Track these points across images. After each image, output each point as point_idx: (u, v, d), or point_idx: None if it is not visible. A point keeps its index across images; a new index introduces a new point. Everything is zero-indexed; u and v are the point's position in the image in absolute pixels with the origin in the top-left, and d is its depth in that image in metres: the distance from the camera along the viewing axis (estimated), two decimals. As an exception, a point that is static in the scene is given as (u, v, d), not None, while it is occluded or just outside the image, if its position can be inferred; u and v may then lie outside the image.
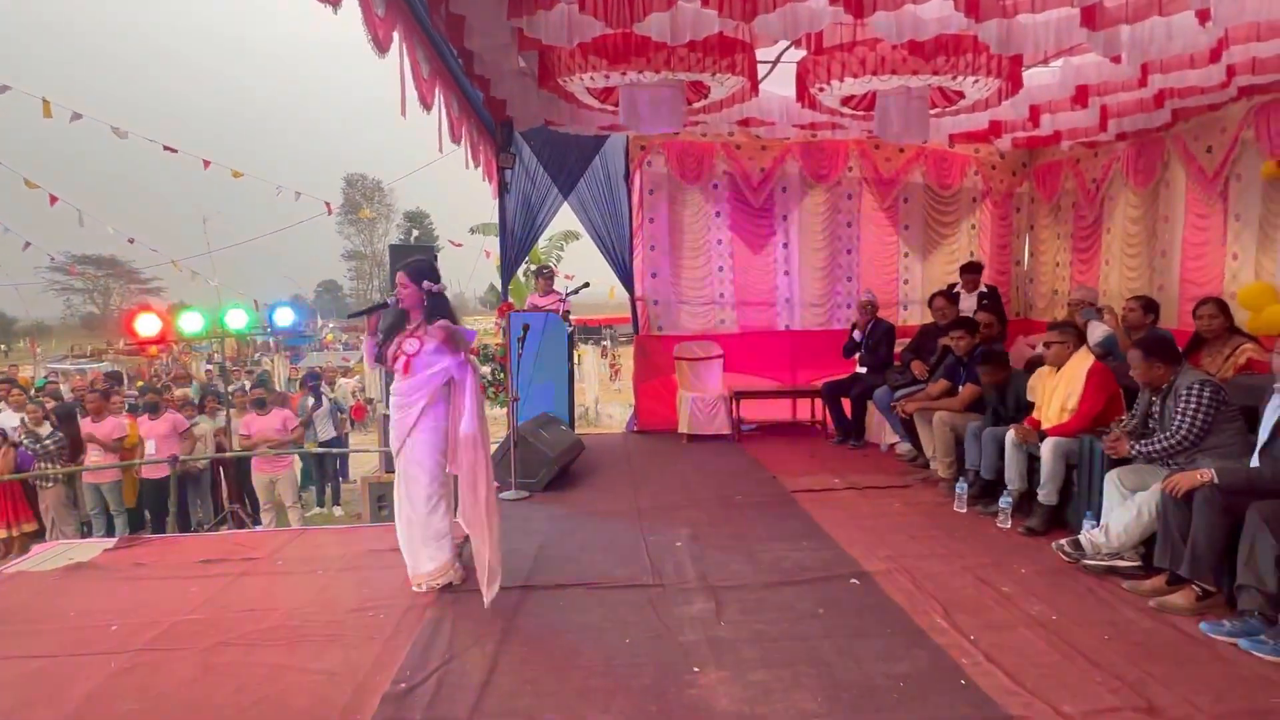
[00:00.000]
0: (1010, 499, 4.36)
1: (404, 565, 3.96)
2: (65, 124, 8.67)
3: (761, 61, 5.14)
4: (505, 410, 6.57)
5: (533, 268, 9.09)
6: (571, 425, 6.74)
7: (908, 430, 5.73)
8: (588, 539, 4.31)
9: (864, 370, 6.60)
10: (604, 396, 15.88)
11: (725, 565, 3.81)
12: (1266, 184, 5.20)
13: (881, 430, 6.46)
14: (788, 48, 5.15)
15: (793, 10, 3.94)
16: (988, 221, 8.13)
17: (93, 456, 7.38)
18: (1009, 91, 4.90)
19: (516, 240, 7.31)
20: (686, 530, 4.37)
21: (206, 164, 10.35)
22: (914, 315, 7.90)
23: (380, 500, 7.05)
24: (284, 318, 8.30)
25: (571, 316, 7.13)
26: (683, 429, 6.89)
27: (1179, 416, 3.54)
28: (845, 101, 5.26)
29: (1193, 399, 3.52)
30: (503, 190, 7.01)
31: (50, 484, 7.35)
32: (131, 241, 13.25)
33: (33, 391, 10.64)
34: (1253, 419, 3.45)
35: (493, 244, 8.68)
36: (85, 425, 7.52)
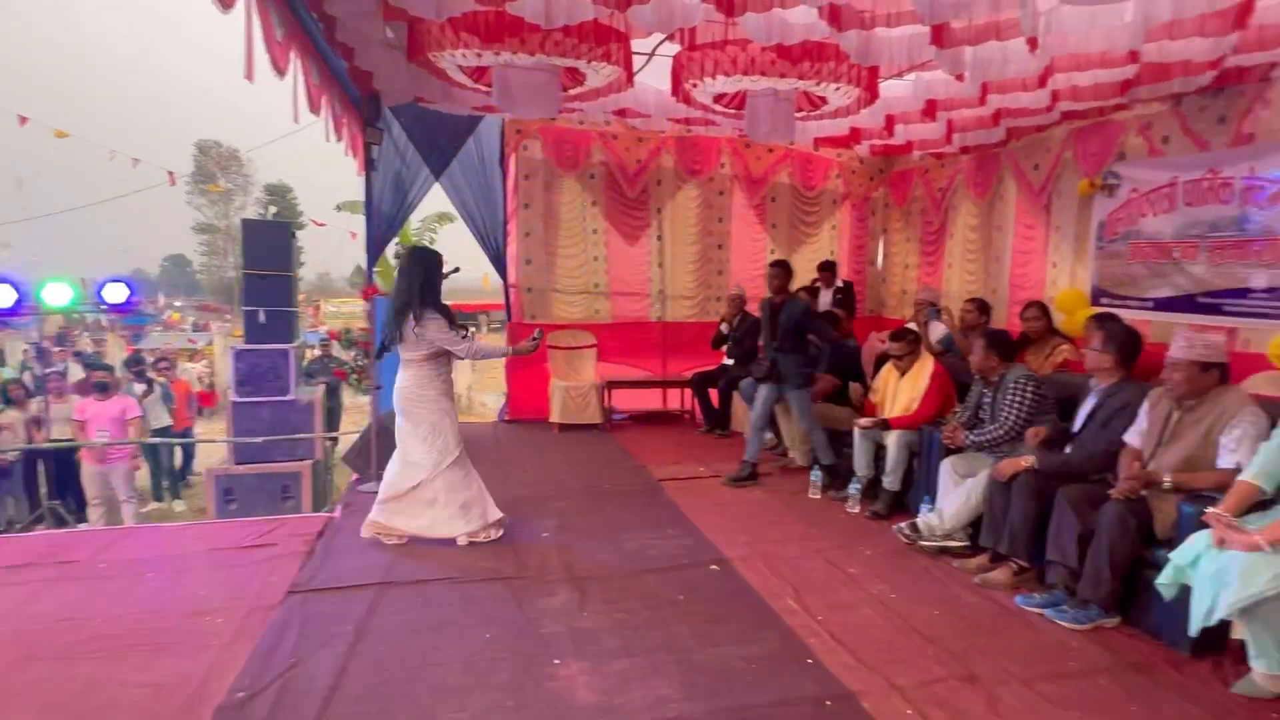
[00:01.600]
0: (859, 485, 4.63)
1: (252, 564, 3.73)
2: None
3: (637, 53, 5.13)
4: (369, 399, 6.28)
5: (401, 249, 8.69)
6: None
7: (771, 420, 5.95)
8: (451, 532, 4.17)
9: (731, 362, 6.79)
10: (477, 384, 15.53)
11: (591, 555, 3.82)
12: (1081, 200, 5.79)
13: (746, 420, 6.67)
14: (663, 41, 5.18)
15: (667, 4, 3.95)
16: (847, 223, 8.56)
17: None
18: (867, 100, 5.15)
19: (384, 220, 6.93)
20: (554, 520, 4.34)
21: (23, 120, 9.18)
22: (779, 310, 8.21)
23: (228, 494, 6.54)
24: (115, 294, 7.46)
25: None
26: (554, 418, 6.84)
27: (1006, 409, 3.88)
28: (718, 99, 5.36)
29: (1018, 394, 3.86)
30: (369, 167, 6.64)
31: None
32: None
33: None
34: (1065, 412, 3.85)
35: (359, 223, 8.22)
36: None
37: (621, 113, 6.47)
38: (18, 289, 6.47)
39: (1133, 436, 3.26)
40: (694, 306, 8.00)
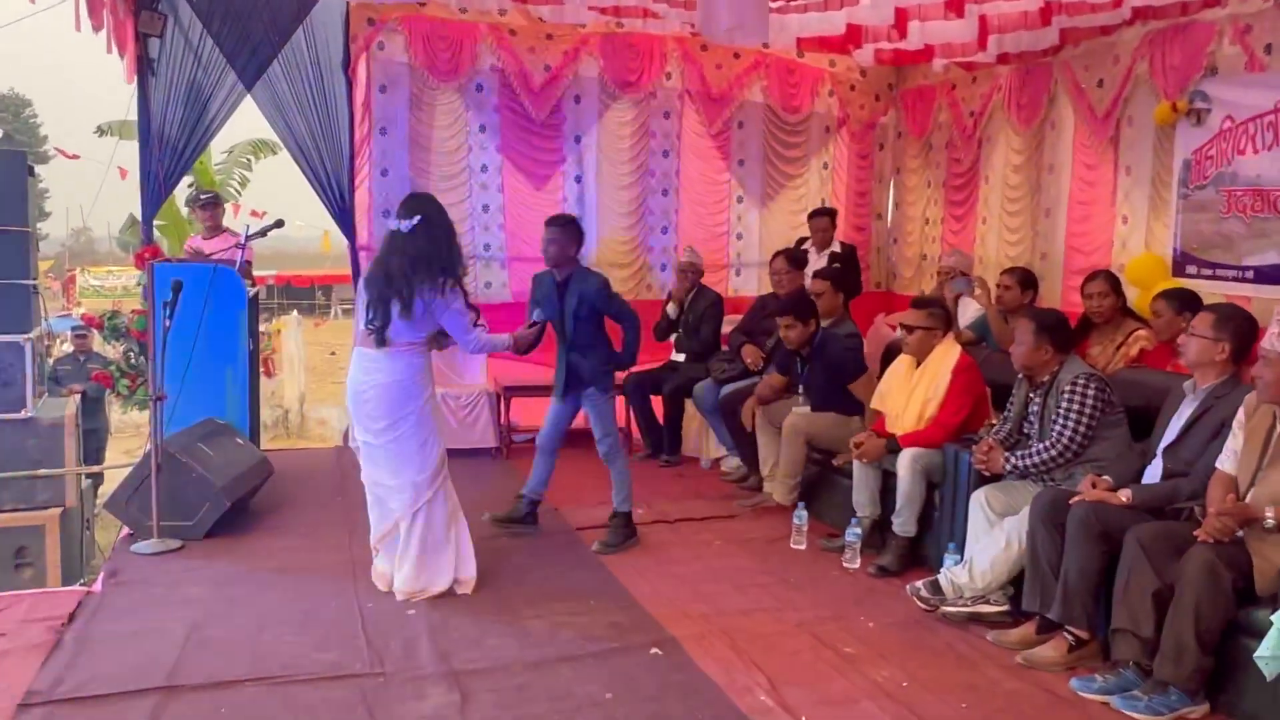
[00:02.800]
0: (859, 530, 4.73)
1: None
2: None
3: (543, -88, 5.13)
4: (147, 416, 6.11)
5: (201, 195, 8.46)
6: (255, 438, 6.42)
7: (739, 439, 6.03)
8: (273, 609, 4.12)
9: (681, 357, 6.84)
10: (315, 393, 15.26)
11: (478, 640, 3.80)
12: (1159, 131, 6.03)
13: (703, 439, 6.75)
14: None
15: None
16: (844, 159, 8.75)
17: None
18: (870, -14, 5.27)
19: (170, 149, 6.79)
20: (425, 590, 4.30)
21: None
22: (749, 283, 8.35)
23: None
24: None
25: (256, 272, 6.75)
26: (427, 440, 6.78)
27: (1061, 420, 4.02)
28: (659, -20, 5.40)
29: (1076, 398, 4.01)
30: (145, 70, 6.47)
31: None
32: None
33: None
34: (1138, 425, 4.01)
35: (132, 155, 7.94)
36: None
37: (522, -2, 6.45)
38: None
39: (1225, 459, 3.42)
40: (629, 279, 8.03)
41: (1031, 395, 4.29)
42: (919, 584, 4.14)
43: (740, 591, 4.36)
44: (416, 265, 4.10)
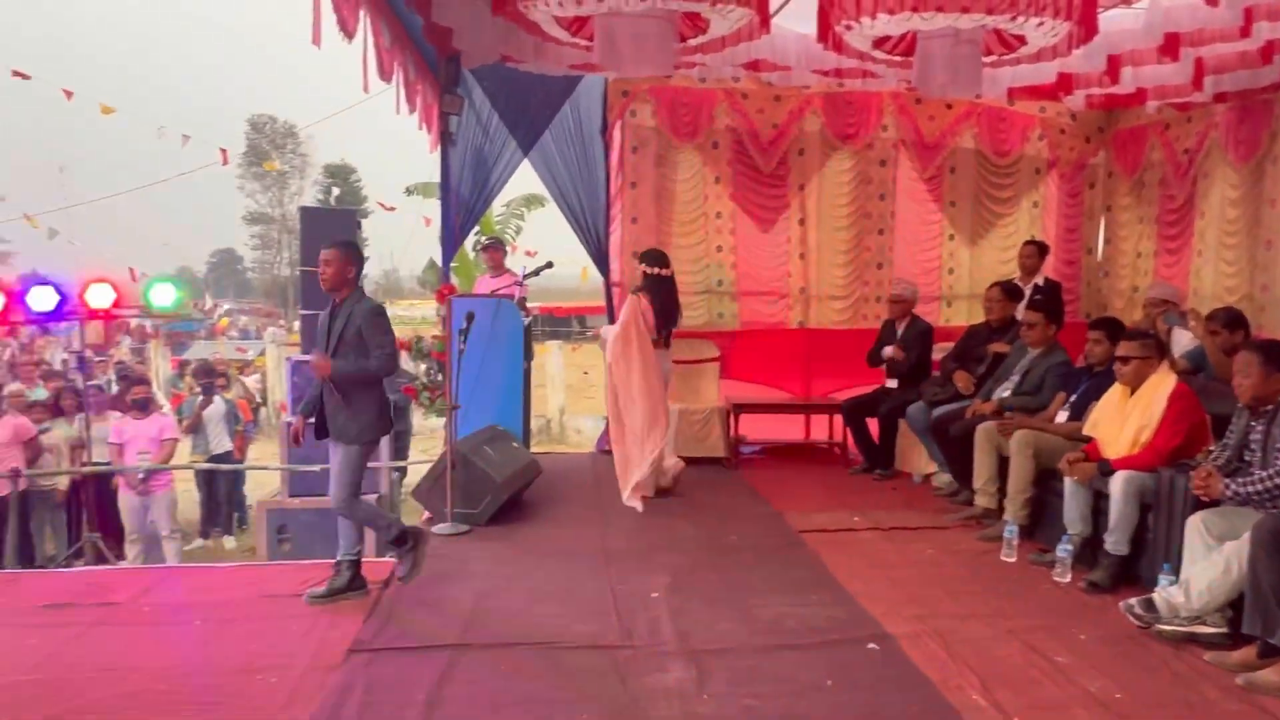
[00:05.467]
0: (1070, 547, 4.41)
1: (308, 616, 3.99)
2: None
3: (775, -10, 5.17)
4: (443, 422, 6.57)
5: (482, 240, 9.05)
6: (526, 442, 6.74)
7: (950, 456, 5.78)
8: (540, 587, 4.31)
9: (894, 383, 6.64)
10: (572, 406, 15.89)
11: (712, 624, 3.83)
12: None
13: (915, 457, 6.51)
14: (808, -26, 5.18)
15: (814, -72, 3.97)
16: (1054, 198, 8.23)
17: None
18: (1082, 37, 4.95)
19: (463, 205, 7.29)
20: (666, 578, 4.38)
21: (69, 95, 10.26)
22: (959, 314, 7.97)
23: (281, 531, 7.02)
24: (163, 296, 8.21)
25: (530, 304, 7.13)
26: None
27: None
28: (878, 44, 5.30)
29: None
30: (446, 142, 6.99)
31: None
32: None
33: None
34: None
35: (433, 208, 8.66)
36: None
37: (754, 66, 6.51)
38: (60, 290, 7.23)
39: None
40: (846, 310, 7.90)
41: (1253, 424, 3.86)
42: (1133, 601, 3.81)
43: (952, 597, 4.17)
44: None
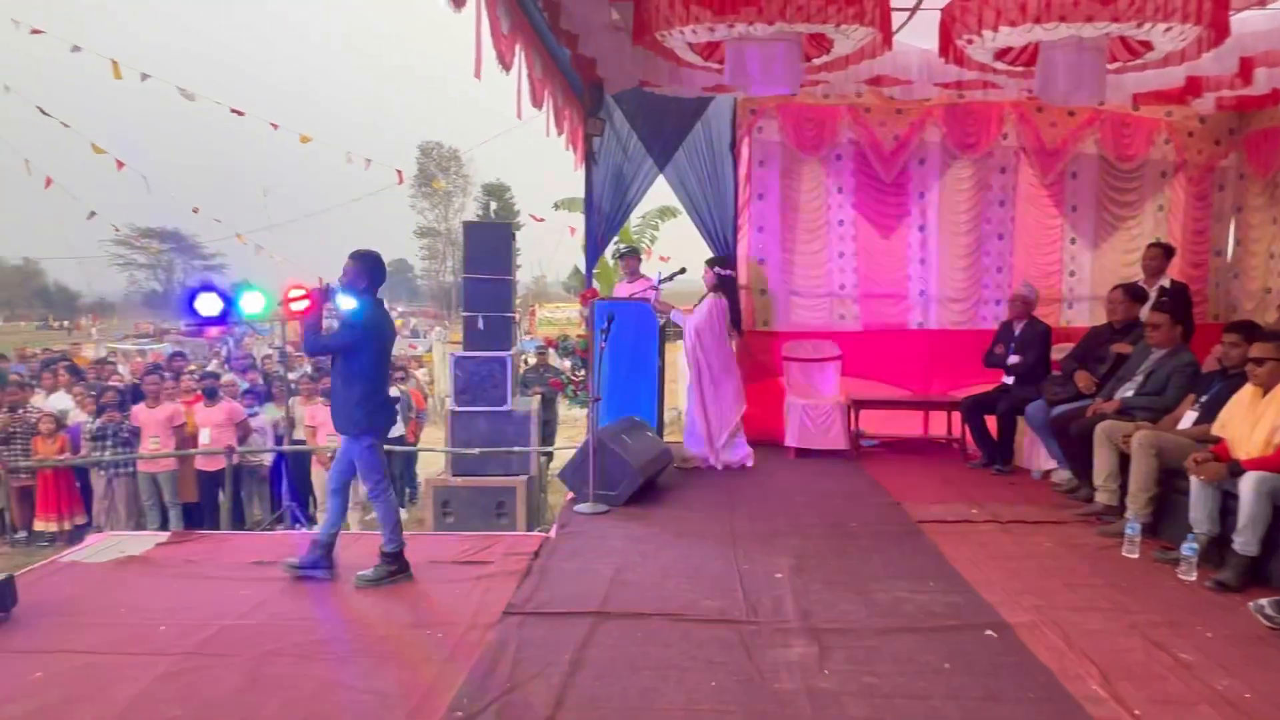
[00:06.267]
0: (1196, 546, 4.08)
1: (466, 579, 4.14)
2: (134, 85, 9.49)
3: (897, 9, 5.01)
4: (585, 412, 6.71)
5: (620, 248, 9.15)
6: (660, 432, 6.78)
7: (1070, 453, 5.46)
8: (673, 564, 4.33)
9: (1011, 380, 6.32)
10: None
11: (833, 604, 3.75)
12: None
13: (1034, 454, 6.17)
14: (930, -8, 5.00)
15: (937, -53, 3.82)
16: (1180, 201, 7.62)
17: (149, 444, 8.01)
18: (1212, 41, 4.57)
19: (605, 217, 7.40)
20: (789, 560, 4.32)
21: (275, 126, 11.07)
22: (1080, 315, 7.51)
23: (445, 505, 7.32)
24: (345, 302, 8.67)
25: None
26: (790, 441, 6.81)
27: None
28: (1000, 55, 5.05)
29: None
30: (590, 161, 7.11)
31: (110, 472, 8.04)
32: (196, 211, 14.66)
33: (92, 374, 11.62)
34: None
35: (578, 220, 8.84)
36: (139, 411, 8.17)
37: (876, 81, 6.34)
38: (224, 298, 7.74)
39: None
40: (965, 311, 7.57)
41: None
42: (1263, 601, 3.49)
43: (1071, 590, 3.92)
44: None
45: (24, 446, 8.18)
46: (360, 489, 7.97)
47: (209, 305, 7.85)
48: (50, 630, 3.60)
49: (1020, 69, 5.26)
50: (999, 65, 5.25)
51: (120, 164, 11.09)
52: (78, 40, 9.84)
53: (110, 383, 10.12)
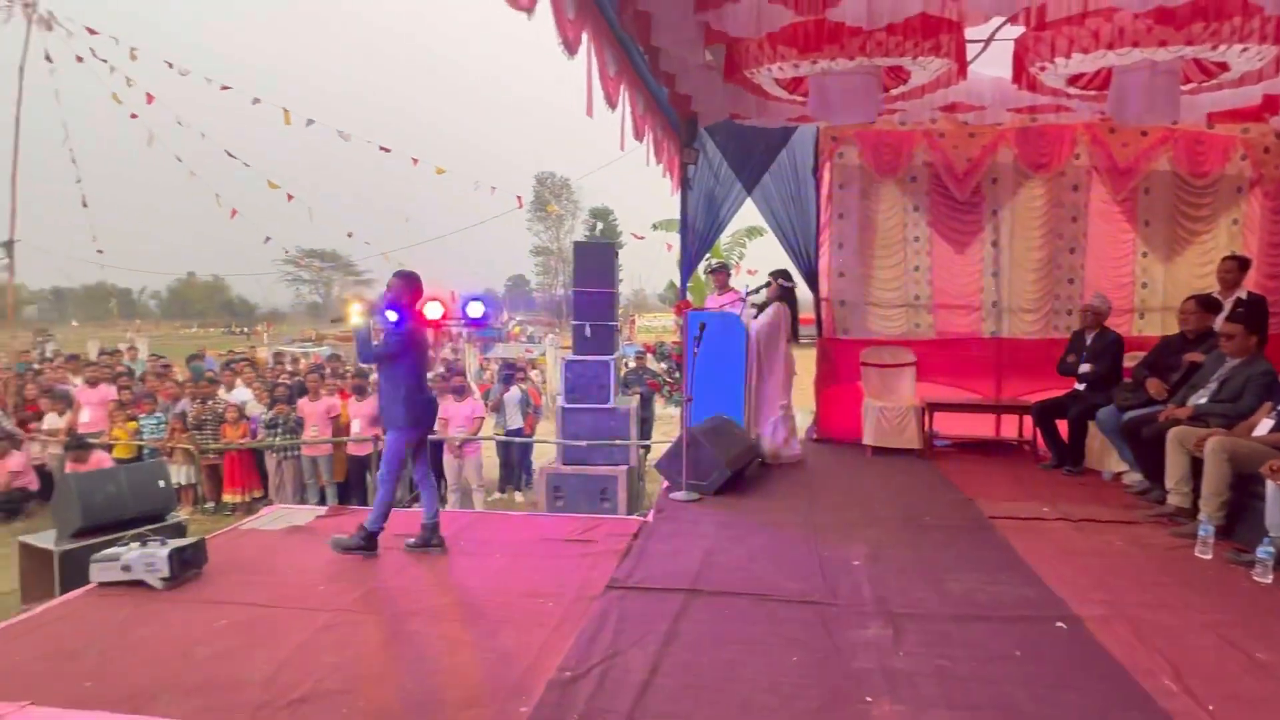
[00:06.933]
0: (1272, 549, 3.75)
1: (573, 556, 4.20)
2: (300, 129, 10.10)
3: (972, 41, 4.82)
4: (679, 410, 6.71)
5: (711, 264, 9.11)
6: (746, 429, 6.71)
7: (1141, 458, 5.11)
8: (757, 548, 4.28)
9: (1082, 387, 5.97)
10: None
11: (907, 591, 3.63)
12: None
13: (1105, 457, 5.81)
14: (1003, 24, 4.78)
15: (1011, -18, 3.66)
16: (1256, 215, 7.03)
17: (310, 432, 8.48)
18: (1290, 59, 4.22)
19: (698, 237, 7.38)
20: (865, 549, 4.20)
21: (415, 161, 11.56)
22: (1152, 325, 7.02)
23: (556, 490, 7.44)
24: (475, 310, 8.98)
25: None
26: (867, 440, 6.63)
27: None
28: (1072, 80, 4.80)
29: None
30: (685, 186, 7.12)
31: (280, 454, 8.56)
32: (350, 235, 15.57)
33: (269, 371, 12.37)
34: None
35: (673, 239, 8.88)
36: (303, 404, 8.65)
37: (950, 108, 6.12)
38: (487, 304, 8.17)
39: None
40: (1037, 321, 7.20)
41: None
42: (1342, 607, 3.19)
43: (1143, 588, 3.66)
44: None
45: (214, 432, 8.78)
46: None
47: (476, 310, 8.49)
48: (232, 585, 3.85)
49: (1093, 93, 4.98)
50: (1071, 90, 4.99)
51: (290, 196, 11.84)
52: (258, 93, 10.59)
53: (280, 380, 10.74)
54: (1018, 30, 4.60)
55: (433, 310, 8.26)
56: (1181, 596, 3.56)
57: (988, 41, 5.05)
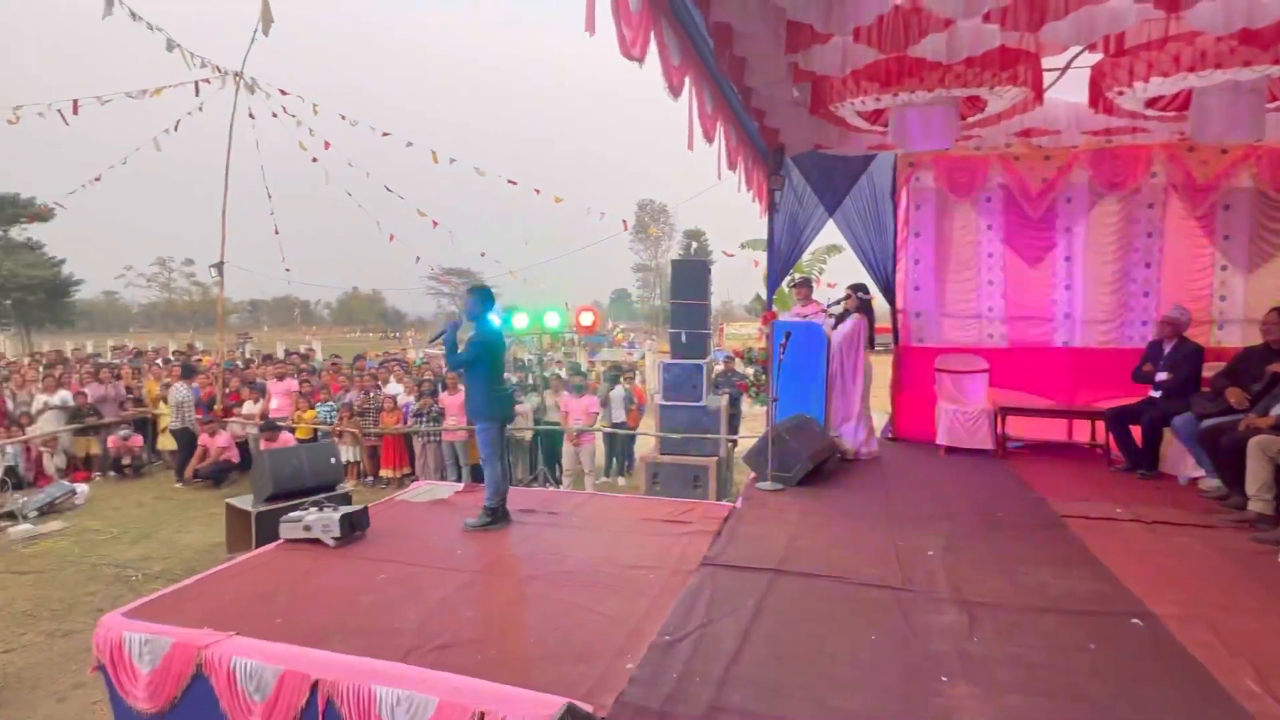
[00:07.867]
0: (1361, 559, 3.33)
1: (670, 535, 4.20)
2: (445, 166, 10.64)
3: (1048, 69, 4.52)
4: (765, 409, 6.61)
5: (795, 278, 8.93)
6: (826, 427, 6.54)
7: (1220, 465, 4.63)
8: (838, 535, 4.15)
9: (1157, 394, 5.47)
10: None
11: (981, 581, 3.43)
12: None
13: (1180, 462, 5.31)
14: (1080, 53, 4.46)
15: (1089, 14, 3.41)
16: (1344, 229, 6.25)
17: (450, 421, 8.87)
18: (1386, 74, 3.73)
19: (782, 255, 7.27)
20: (940, 540, 4.00)
21: (538, 191, 11.90)
22: (1231, 336, 6.36)
23: (655, 477, 7.48)
24: (585, 319, 9.21)
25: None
26: (940, 440, 6.31)
27: None
28: (1150, 103, 4.42)
29: None
30: (772, 210, 7.02)
31: (425, 439, 8.98)
32: (483, 255, 16.23)
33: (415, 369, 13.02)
34: None
35: (760, 256, 8.78)
36: (444, 397, 9.05)
37: (1025, 133, 5.78)
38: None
39: None
40: (1110, 331, 6.66)
41: None
42: None
43: (1221, 589, 3.32)
44: None
45: (374, 419, 9.32)
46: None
47: (587, 319, 9.40)
48: (388, 546, 4.07)
49: (1172, 114, 4.57)
50: (1148, 112, 4.59)
51: (435, 223, 12.43)
52: (410, 138, 11.23)
53: (425, 377, 11.28)
54: (1095, 57, 4.28)
55: (585, 318, 8.99)
56: (1262, 600, 3.21)
57: (1064, 69, 4.73)
